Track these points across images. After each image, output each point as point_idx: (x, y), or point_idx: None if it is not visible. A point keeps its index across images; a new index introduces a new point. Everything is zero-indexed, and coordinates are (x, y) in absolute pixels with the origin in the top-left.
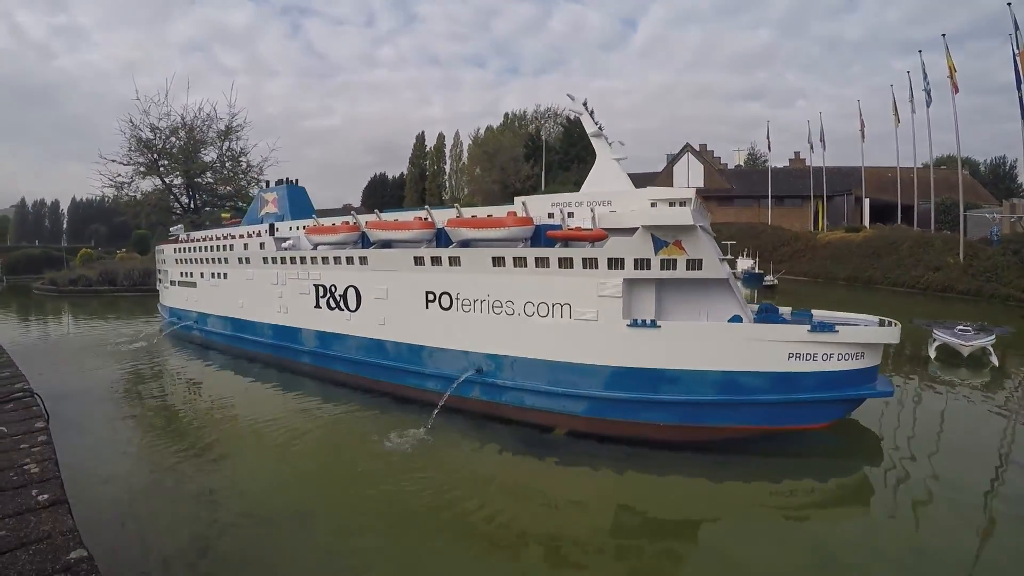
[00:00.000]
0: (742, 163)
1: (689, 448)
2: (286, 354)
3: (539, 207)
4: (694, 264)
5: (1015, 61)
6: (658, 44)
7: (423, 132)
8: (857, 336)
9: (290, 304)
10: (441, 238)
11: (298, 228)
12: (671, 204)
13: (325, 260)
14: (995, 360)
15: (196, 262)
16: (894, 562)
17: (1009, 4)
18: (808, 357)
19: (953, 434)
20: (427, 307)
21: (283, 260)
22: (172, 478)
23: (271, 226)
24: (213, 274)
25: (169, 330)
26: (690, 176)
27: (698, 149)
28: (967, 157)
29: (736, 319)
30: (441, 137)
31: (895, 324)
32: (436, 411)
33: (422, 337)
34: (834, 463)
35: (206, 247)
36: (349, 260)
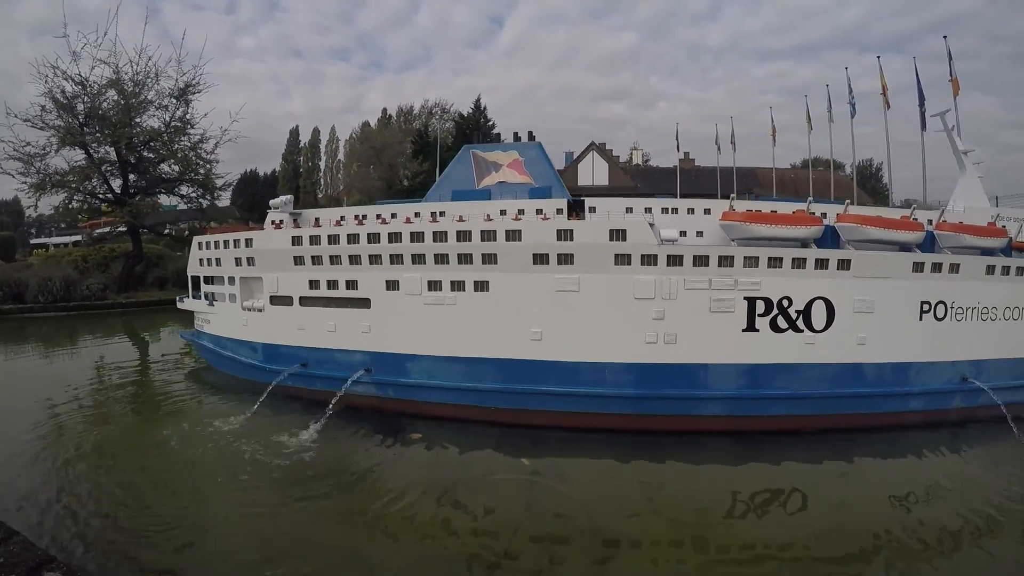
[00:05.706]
0: (640, 162)
1: None
2: (664, 408)
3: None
4: None
5: (918, 79)
6: (525, 43)
7: (297, 126)
8: None
9: (682, 329)
10: (927, 242)
11: (662, 211)
12: None
13: (775, 263)
14: None
15: (375, 262)
16: None
17: (945, 37)
18: None
19: None
20: (921, 318)
21: (673, 261)
22: None
23: (573, 203)
24: (434, 284)
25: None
26: (595, 174)
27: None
28: (834, 160)
29: None
30: (316, 132)
31: None
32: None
33: (910, 353)
34: None
35: (420, 235)
36: (820, 264)
